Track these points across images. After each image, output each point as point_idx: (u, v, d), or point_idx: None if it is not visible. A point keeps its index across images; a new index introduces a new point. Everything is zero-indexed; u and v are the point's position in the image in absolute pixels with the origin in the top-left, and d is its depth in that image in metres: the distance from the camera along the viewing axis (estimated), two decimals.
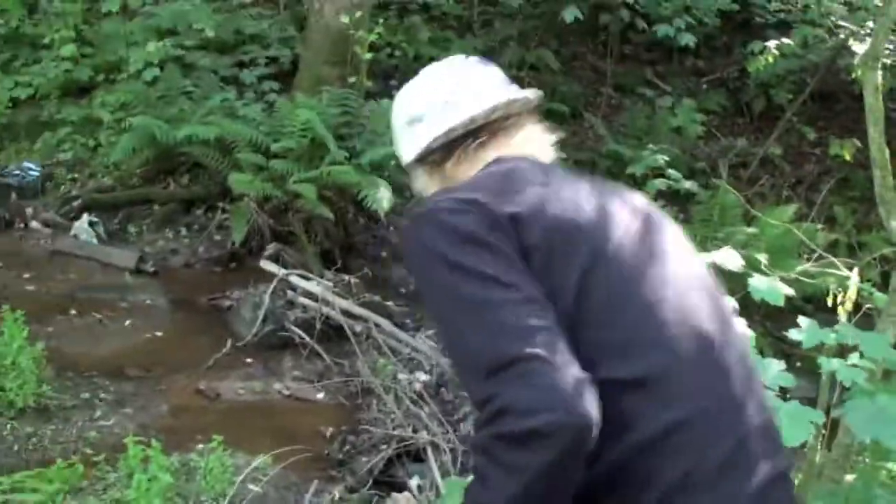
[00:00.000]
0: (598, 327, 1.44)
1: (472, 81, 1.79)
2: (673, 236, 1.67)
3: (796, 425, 2.70)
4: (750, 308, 3.48)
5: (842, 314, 4.56)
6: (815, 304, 5.25)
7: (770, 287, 3.16)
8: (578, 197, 1.58)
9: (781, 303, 3.04)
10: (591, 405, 1.30)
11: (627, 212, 1.62)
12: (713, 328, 1.54)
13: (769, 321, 4.90)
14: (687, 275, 1.60)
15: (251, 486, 4.26)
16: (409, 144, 1.82)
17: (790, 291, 3.16)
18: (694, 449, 1.40)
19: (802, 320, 3.05)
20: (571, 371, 1.32)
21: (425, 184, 1.82)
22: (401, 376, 5.30)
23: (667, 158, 7.29)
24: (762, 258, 3.44)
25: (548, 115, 2.24)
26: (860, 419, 2.72)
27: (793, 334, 3.02)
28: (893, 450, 2.99)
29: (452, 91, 1.77)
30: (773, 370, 2.91)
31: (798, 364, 4.08)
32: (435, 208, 1.53)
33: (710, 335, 1.52)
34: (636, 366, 1.42)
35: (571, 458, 1.29)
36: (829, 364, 2.89)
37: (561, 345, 1.35)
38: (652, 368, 1.43)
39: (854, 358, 2.96)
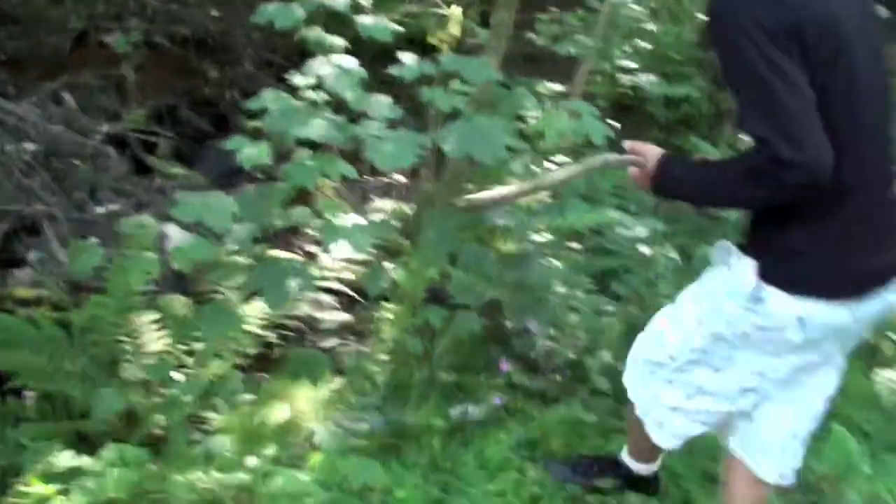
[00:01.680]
0: None
1: None
2: None
3: (402, 149, 2.79)
4: (362, 52, 3.52)
5: (444, 49, 4.75)
6: (420, 44, 5.43)
7: (377, 25, 3.20)
8: None
9: (389, 37, 3.09)
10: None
11: None
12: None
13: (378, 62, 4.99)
14: None
15: None
16: None
17: (397, 28, 3.21)
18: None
19: (403, 55, 3.12)
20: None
21: None
22: (8, 147, 4.88)
23: None
24: (364, 0, 3.44)
25: None
26: (455, 140, 2.88)
27: (394, 70, 3.10)
28: (490, 166, 3.22)
29: None
30: (381, 104, 3.00)
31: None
32: None
33: None
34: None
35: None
36: (430, 94, 3.00)
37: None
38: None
39: (456, 85, 3.09)
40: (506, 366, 3.02)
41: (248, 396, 3.45)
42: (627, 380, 2.48)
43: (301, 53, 3.32)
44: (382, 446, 2.95)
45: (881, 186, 2.13)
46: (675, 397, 2.35)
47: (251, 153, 2.74)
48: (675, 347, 2.32)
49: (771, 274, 2.09)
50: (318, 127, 2.86)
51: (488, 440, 2.94)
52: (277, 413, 3.27)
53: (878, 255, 2.14)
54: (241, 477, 2.68)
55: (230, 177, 5.17)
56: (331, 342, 3.71)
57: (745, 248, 2.16)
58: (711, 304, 2.23)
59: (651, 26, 5.31)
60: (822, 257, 2.08)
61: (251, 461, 2.79)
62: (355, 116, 2.95)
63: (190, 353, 3.79)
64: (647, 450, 2.67)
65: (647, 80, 5.09)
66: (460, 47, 4.77)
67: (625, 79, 5.23)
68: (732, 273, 2.15)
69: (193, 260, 3.05)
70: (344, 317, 3.73)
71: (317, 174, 2.76)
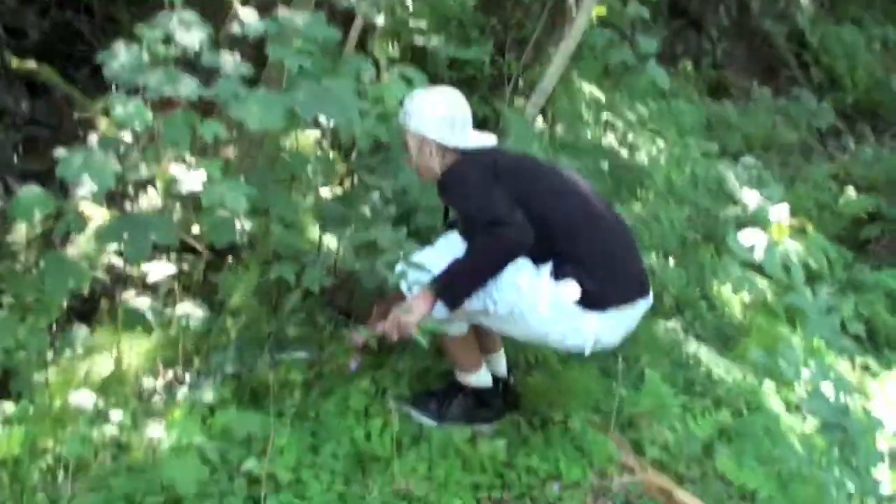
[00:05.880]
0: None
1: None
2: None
3: (269, 109, 2.99)
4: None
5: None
6: None
7: None
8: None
9: None
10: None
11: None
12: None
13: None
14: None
15: None
16: (440, 131, 3.28)
17: None
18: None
19: (242, 11, 3.28)
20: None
21: (424, 150, 3.31)
22: None
23: None
24: None
25: None
26: (305, 99, 3.10)
27: (237, 27, 3.25)
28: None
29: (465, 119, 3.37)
30: (231, 62, 3.12)
31: None
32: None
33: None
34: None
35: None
36: (279, 51, 3.19)
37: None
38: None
39: (298, 42, 3.27)
40: (360, 339, 3.23)
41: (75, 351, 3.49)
42: None
43: None
44: (240, 399, 3.13)
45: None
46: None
47: (126, 114, 2.79)
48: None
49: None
50: (184, 85, 2.94)
51: (349, 389, 3.21)
52: (107, 365, 3.36)
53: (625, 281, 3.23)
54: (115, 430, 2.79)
55: None
56: (153, 296, 3.78)
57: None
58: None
59: None
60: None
61: (115, 415, 2.89)
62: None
63: None
64: (468, 360, 3.35)
65: (435, 40, 5.42)
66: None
67: (411, 38, 5.52)
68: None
69: (32, 212, 3.08)
70: (170, 269, 3.77)
71: (189, 133, 2.88)
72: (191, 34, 3.08)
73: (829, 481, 2.61)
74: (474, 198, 3.09)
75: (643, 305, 3.28)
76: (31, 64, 5.50)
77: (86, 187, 2.78)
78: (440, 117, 3.28)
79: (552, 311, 3.04)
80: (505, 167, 3.23)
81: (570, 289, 3.05)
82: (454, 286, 3.01)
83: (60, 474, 2.62)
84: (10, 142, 5.26)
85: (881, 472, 2.66)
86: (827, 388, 2.80)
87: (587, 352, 3.14)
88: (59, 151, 2.82)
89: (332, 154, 4.82)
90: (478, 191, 3.10)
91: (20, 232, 4.04)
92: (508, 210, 3.01)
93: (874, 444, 2.69)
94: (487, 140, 3.38)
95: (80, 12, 6.67)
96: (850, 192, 7.74)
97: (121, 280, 3.92)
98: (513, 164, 3.33)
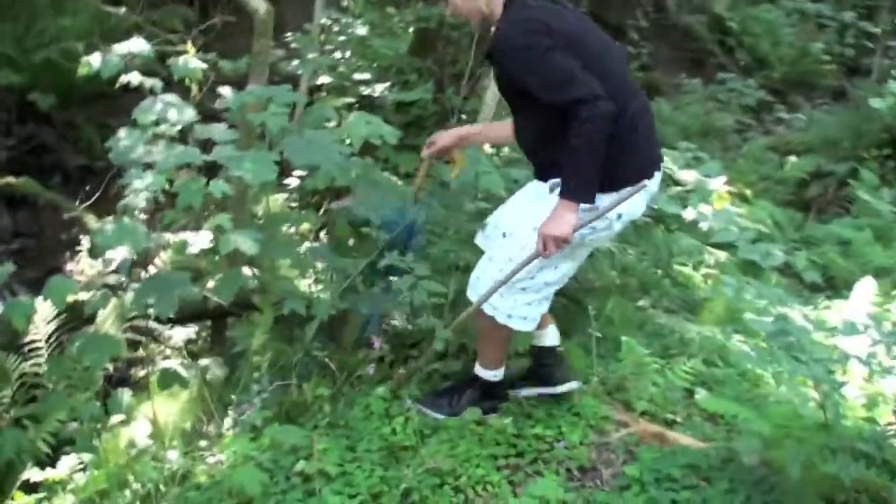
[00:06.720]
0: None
1: None
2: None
3: (260, 167, 3.51)
4: None
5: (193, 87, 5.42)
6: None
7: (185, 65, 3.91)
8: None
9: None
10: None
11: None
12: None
13: None
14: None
15: None
16: None
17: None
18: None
19: (223, 89, 3.84)
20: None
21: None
22: None
23: None
24: None
25: None
26: (295, 152, 3.64)
27: (221, 102, 3.81)
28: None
29: None
30: (220, 131, 3.68)
31: None
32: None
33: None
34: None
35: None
36: (260, 117, 3.73)
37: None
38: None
39: (272, 108, 3.81)
40: (377, 343, 3.77)
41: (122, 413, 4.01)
42: (481, 300, 3.51)
43: None
44: (279, 420, 3.65)
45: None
46: (530, 296, 3.49)
47: (145, 182, 3.33)
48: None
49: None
50: (179, 154, 3.49)
51: (368, 399, 3.74)
52: (147, 427, 3.88)
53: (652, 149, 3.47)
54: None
55: None
56: (177, 357, 4.31)
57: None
58: None
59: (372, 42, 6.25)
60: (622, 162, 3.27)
61: (173, 455, 3.41)
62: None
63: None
64: (497, 358, 3.77)
65: (381, 88, 6.02)
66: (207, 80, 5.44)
67: (358, 89, 6.12)
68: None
69: (64, 297, 3.58)
70: (188, 332, 4.31)
71: (202, 193, 3.40)
72: (182, 113, 3.66)
73: (777, 372, 3.13)
74: (545, 74, 3.16)
75: (657, 175, 3.44)
76: (9, 180, 6.03)
77: (118, 254, 3.26)
78: None
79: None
80: (556, 27, 3.23)
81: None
82: (583, 180, 3.18)
83: (138, 502, 3.13)
84: (3, 255, 5.76)
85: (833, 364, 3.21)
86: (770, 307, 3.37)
87: (616, 228, 3.44)
88: (92, 225, 3.35)
89: (303, 212, 5.40)
90: (545, 66, 3.16)
91: (40, 327, 4.53)
92: (583, 82, 3.11)
93: (820, 343, 3.23)
94: None
95: (40, 124, 7.26)
96: (792, 158, 8.39)
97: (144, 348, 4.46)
98: (559, 19, 3.30)
